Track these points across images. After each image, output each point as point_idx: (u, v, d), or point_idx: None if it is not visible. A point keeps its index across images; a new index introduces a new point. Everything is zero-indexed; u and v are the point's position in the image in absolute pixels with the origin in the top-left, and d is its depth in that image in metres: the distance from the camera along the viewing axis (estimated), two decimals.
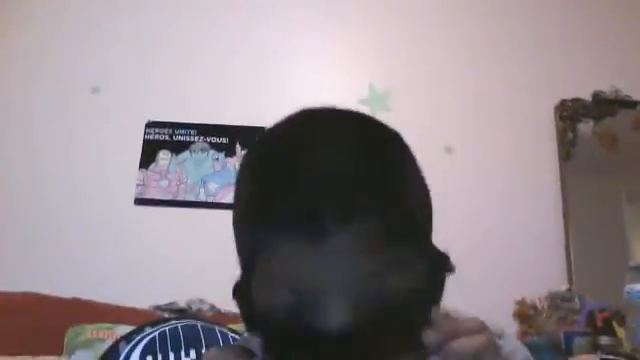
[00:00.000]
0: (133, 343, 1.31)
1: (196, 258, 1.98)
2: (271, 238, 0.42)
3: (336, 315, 0.40)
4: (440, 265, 0.47)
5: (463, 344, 0.41)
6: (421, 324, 0.42)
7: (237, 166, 2.14)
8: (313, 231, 0.40)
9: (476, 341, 0.42)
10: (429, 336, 0.42)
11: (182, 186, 2.13)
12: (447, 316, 0.43)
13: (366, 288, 0.41)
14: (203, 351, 1.33)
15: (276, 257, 0.42)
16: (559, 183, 2.11)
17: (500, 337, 0.57)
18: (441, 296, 0.46)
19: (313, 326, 0.41)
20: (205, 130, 2.19)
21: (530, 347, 1.91)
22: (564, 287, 1.90)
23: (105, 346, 1.43)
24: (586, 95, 2.20)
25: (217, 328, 1.44)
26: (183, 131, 2.20)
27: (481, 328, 0.43)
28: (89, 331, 1.52)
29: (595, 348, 1.54)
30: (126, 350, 1.30)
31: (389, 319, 0.41)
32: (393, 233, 0.42)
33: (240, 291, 0.48)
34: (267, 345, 0.45)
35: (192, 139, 2.19)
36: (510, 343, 0.58)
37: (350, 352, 0.40)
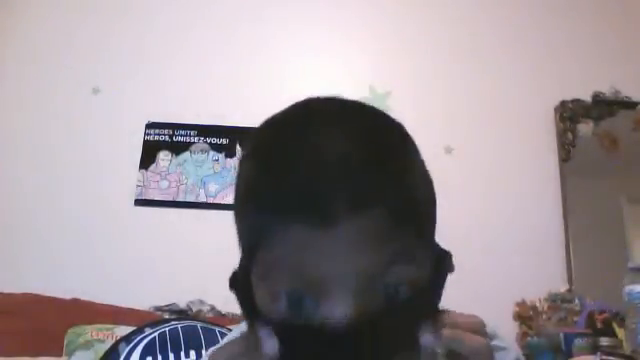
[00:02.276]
0: (133, 344, 1.32)
1: (196, 259, 1.98)
2: (276, 223, 0.41)
3: (339, 307, 0.40)
4: (443, 263, 0.46)
5: (460, 345, 0.41)
6: (422, 323, 0.42)
7: (237, 167, 2.14)
8: (321, 217, 0.39)
9: (475, 343, 0.42)
10: (428, 337, 0.41)
11: (182, 187, 2.13)
12: (447, 315, 0.43)
13: (371, 281, 0.40)
14: (203, 352, 1.32)
15: (280, 243, 0.41)
16: (559, 184, 2.11)
17: (492, 338, 0.57)
18: (441, 295, 0.45)
19: (315, 316, 0.40)
20: (205, 131, 2.19)
21: (530, 348, 1.90)
22: (564, 288, 1.90)
23: (105, 347, 1.43)
24: (586, 96, 2.20)
25: (217, 329, 1.45)
26: (183, 132, 2.20)
27: (479, 329, 0.43)
28: (89, 332, 1.52)
29: (595, 349, 1.54)
30: (126, 351, 1.30)
31: (391, 315, 0.41)
32: (400, 224, 0.41)
33: (238, 280, 0.46)
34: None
35: (192, 140, 2.19)
36: (503, 343, 0.58)
37: (350, 345, 0.39)
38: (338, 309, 0.40)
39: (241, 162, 0.47)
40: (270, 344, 0.41)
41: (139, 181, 2.13)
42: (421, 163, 0.47)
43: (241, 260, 0.47)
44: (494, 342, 0.56)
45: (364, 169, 0.40)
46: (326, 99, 0.47)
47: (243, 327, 0.59)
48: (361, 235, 0.39)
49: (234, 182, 0.47)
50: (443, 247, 0.47)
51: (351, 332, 0.39)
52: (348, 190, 0.39)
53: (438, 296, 0.45)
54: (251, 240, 0.44)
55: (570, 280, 1.97)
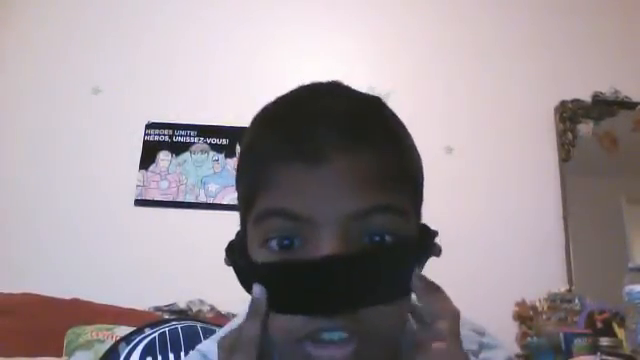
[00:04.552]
0: (133, 344, 1.31)
1: (196, 259, 1.98)
2: (272, 167, 0.43)
3: (325, 246, 0.41)
4: (428, 238, 0.47)
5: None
6: (404, 278, 0.43)
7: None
8: (313, 157, 0.41)
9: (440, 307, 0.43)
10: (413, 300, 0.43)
11: (182, 187, 2.13)
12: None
13: (356, 223, 0.42)
14: None
15: (274, 185, 0.43)
16: (559, 184, 2.11)
17: (483, 335, 0.57)
18: (421, 266, 0.46)
19: (303, 255, 0.42)
20: (205, 131, 2.19)
21: (530, 348, 1.89)
22: (564, 288, 1.89)
23: (105, 347, 1.43)
24: (586, 96, 2.20)
25: (217, 329, 1.44)
26: (183, 132, 2.20)
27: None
28: (89, 332, 1.52)
29: (595, 349, 1.54)
30: (126, 351, 1.30)
31: (373, 260, 0.42)
32: (388, 173, 0.44)
33: (234, 245, 0.48)
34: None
35: (192, 140, 2.19)
36: (494, 341, 0.57)
37: (332, 283, 0.41)
38: (324, 248, 0.41)
39: (244, 132, 0.50)
40: (258, 290, 0.42)
41: (139, 181, 2.13)
42: (410, 137, 0.51)
43: (238, 231, 0.49)
44: (483, 339, 0.56)
45: (357, 120, 0.44)
46: (328, 81, 0.53)
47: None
48: (351, 175, 0.42)
49: (242, 143, 0.51)
50: (430, 227, 0.49)
51: (335, 270, 0.40)
52: (341, 133, 0.43)
53: (419, 265, 0.46)
54: (249, 192, 0.46)
55: (570, 280, 1.97)
